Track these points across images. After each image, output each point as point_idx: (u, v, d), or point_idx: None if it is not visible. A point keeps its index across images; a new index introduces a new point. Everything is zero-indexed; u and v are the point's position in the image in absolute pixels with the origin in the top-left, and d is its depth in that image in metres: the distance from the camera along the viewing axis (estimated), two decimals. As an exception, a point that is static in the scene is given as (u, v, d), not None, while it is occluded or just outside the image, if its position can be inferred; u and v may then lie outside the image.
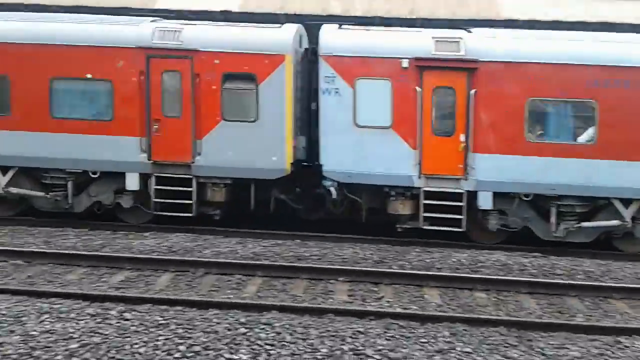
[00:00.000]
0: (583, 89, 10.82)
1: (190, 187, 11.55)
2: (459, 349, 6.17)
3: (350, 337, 6.41)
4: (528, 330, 6.94)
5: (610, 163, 10.83)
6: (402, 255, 10.30)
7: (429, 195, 11.21)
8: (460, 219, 11.09)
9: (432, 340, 6.38)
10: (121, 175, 11.60)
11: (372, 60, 11.16)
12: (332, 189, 11.46)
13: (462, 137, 11.12)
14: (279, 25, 12.05)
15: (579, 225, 11.15)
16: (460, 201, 11.11)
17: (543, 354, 6.16)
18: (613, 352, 6.33)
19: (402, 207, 11.43)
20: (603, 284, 9.04)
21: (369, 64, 11.17)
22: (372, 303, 7.92)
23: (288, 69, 11.30)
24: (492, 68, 10.89)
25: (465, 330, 6.79)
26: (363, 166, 11.26)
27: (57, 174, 11.80)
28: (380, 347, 6.13)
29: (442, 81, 11.11)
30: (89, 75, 11.46)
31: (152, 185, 11.59)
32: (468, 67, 10.94)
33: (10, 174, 11.88)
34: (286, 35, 11.52)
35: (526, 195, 11.22)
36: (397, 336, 6.48)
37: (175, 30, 11.51)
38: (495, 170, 11.02)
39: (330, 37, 11.51)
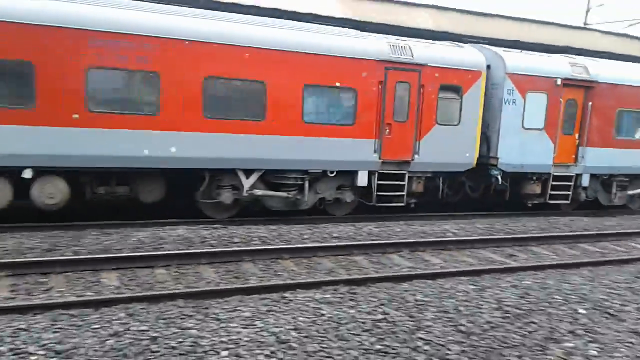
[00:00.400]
0: None
1: (403, 181, 13.53)
2: (134, 328, 5.98)
3: (10, 336, 5.66)
4: (206, 299, 7.15)
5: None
6: (77, 240, 9.57)
7: (555, 178, 15.38)
8: (568, 194, 15.68)
9: (107, 325, 6.05)
10: (348, 173, 13.10)
11: (537, 78, 14.56)
12: (499, 177, 14.52)
13: (576, 136, 15.42)
14: (462, 44, 14.67)
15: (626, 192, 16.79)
16: (570, 181, 15.63)
17: (217, 319, 6.41)
18: (279, 307, 6.98)
19: (537, 188, 15.35)
20: (274, 246, 9.91)
21: (535, 81, 14.53)
22: (40, 296, 7.13)
23: (483, 82, 14.05)
24: (601, 87, 15.34)
25: (142, 308, 6.63)
26: (525, 159, 14.67)
27: (296, 174, 12.60)
28: (45, 342, 5.55)
29: (571, 95, 15.15)
30: (337, 84, 12.41)
31: (376, 181, 13.28)
32: (587, 86, 15.19)
33: (254, 176, 12.32)
34: (482, 55, 14.23)
35: (604, 175, 16.30)
36: (66, 327, 5.96)
37: (407, 47, 13.22)
38: (595, 159, 15.69)
39: (512, 60, 14.45)
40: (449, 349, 6.11)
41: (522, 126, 14.54)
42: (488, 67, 14.34)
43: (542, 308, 7.53)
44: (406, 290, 7.91)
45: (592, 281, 9.03)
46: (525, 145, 14.61)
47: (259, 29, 11.80)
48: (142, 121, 10.84)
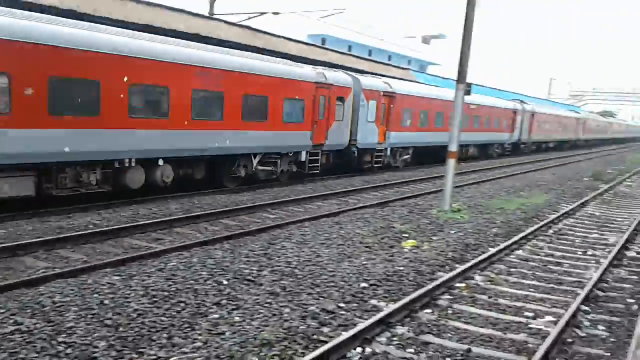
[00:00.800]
0: None
1: (318, 156, 20.48)
2: None
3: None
4: None
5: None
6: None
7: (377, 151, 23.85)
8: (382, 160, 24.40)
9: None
10: (297, 153, 19.44)
11: (374, 91, 22.95)
12: (355, 152, 22.60)
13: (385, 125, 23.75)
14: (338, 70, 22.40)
15: None
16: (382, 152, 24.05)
17: None
18: None
19: (369, 157, 23.57)
20: None
21: (373, 93, 22.85)
22: None
23: (352, 94, 21.55)
24: (398, 96, 24.29)
25: None
26: (367, 140, 22.87)
27: (276, 155, 18.68)
28: None
29: (385, 101, 23.62)
30: (296, 97, 18.71)
31: (307, 157, 19.96)
32: (391, 95, 23.95)
33: (258, 157, 17.96)
34: (351, 78, 21.81)
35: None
36: None
37: (323, 73, 20.10)
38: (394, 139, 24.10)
39: (364, 80, 22.69)
40: (95, 347, 5.68)
41: (367, 120, 22.26)
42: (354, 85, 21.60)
43: (189, 286, 7.69)
44: (42, 294, 7.05)
45: (233, 253, 9.67)
46: (367, 132, 22.39)
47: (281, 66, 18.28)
48: (215, 124, 15.59)
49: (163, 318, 6.53)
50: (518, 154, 40.96)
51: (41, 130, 11.41)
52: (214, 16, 26.49)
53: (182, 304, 7.01)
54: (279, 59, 19.14)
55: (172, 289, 7.51)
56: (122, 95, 12.91)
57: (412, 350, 6.26)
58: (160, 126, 13.99)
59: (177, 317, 6.60)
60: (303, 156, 19.55)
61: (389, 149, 24.86)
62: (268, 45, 23.84)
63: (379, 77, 25.67)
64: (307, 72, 19.20)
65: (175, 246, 9.92)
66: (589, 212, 16.69)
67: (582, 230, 13.80)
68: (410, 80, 32.55)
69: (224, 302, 7.26)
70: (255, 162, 17.71)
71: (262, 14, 29.75)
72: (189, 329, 6.32)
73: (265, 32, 25.89)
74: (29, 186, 11.74)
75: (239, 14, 30.57)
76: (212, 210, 13.34)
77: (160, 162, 14.50)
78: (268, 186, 18.09)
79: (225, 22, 24.56)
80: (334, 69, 22.16)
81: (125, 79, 12.92)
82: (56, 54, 11.46)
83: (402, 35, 61.35)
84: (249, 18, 29.24)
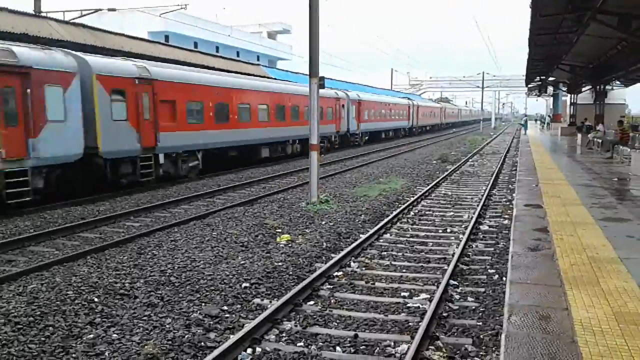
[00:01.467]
0: None
1: None
2: None
3: None
4: None
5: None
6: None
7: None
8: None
9: None
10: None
11: None
12: None
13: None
14: None
15: None
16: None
17: None
18: None
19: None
20: None
21: None
22: None
23: None
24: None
25: None
26: None
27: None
28: None
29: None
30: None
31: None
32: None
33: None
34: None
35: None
36: None
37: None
38: None
39: None
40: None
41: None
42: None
43: (56, 308, 7.03)
44: None
45: (99, 267, 9.02)
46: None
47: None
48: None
49: (31, 345, 5.90)
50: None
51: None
52: (42, 14, 24.48)
53: (51, 328, 6.39)
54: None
55: (37, 313, 6.81)
56: None
57: (302, 344, 6.28)
58: None
59: (47, 343, 6.00)
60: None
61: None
62: (107, 44, 22.51)
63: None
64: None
65: (32, 267, 9.01)
66: (442, 192, 18.00)
67: (439, 209, 14.84)
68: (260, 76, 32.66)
69: (97, 320, 6.74)
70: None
71: (96, 10, 28.06)
72: (63, 354, 5.78)
73: (104, 31, 24.47)
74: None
75: (70, 12, 28.73)
76: (68, 225, 12.33)
77: None
78: (126, 193, 17.10)
79: (56, 20, 22.82)
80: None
81: None
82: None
83: (248, 31, 61.31)
84: (82, 15, 27.39)
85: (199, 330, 6.53)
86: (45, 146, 14.01)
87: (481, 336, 6.32)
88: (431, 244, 11.05)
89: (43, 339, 6.12)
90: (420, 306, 7.40)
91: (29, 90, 13.49)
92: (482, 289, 8.04)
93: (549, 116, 72.98)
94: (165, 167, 19.02)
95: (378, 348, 6.13)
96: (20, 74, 13.40)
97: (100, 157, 16.02)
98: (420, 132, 63.76)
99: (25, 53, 13.75)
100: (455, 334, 6.48)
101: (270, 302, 7.56)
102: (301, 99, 27.98)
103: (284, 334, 6.55)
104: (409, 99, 61.16)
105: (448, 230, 12.23)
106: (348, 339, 6.37)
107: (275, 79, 33.08)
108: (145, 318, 6.86)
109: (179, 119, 19.39)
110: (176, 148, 19.39)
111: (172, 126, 18.89)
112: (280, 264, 9.32)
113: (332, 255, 10.05)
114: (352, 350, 6.11)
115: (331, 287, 8.33)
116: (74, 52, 16.15)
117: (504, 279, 8.13)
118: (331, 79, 42.46)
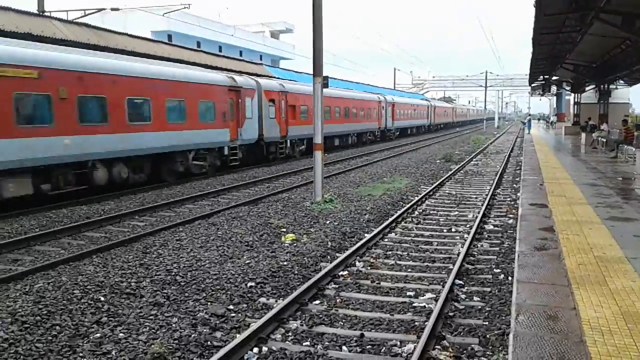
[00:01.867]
0: None
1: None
2: None
3: None
4: None
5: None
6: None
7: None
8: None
9: None
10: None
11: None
12: None
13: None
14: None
15: None
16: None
17: None
18: None
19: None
20: None
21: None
22: None
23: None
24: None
25: None
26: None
27: None
28: None
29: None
30: None
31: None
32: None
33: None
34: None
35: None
36: None
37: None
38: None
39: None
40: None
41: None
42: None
43: (62, 307, 7.04)
44: None
45: (105, 267, 9.04)
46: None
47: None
48: None
49: (38, 345, 5.91)
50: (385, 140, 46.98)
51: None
52: (45, 13, 24.49)
53: (58, 327, 6.40)
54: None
55: (44, 312, 6.82)
56: None
57: (308, 343, 6.28)
58: None
59: (54, 342, 6.01)
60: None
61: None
62: (110, 44, 22.51)
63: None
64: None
65: (38, 266, 9.03)
66: (447, 191, 17.98)
67: (444, 209, 14.82)
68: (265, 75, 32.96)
69: (104, 319, 6.75)
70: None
71: (99, 10, 28.07)
72: (70, 353, 5.79)
73: (107, 30, 24.48)
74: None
75: (73, 11, 28.75)
76: (74, 224, 12.36)
77: None
78: (131, 192, 17.15)
79: (59, 19, 22.84)
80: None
81: None
82: None
83: (251, 31, 61.29)
84: (85, 15, 27.40)
85: (205, 330, 6.53)
86: (245, 133, 23.54)
87: (488, 336, 6.31)
88: (436, 243, 11.04)
89: (50, 338, 6.13)
90: (426, 306, 7.39)
91: (239, 100, 22.74)
92: (488, 289, 8.02)
93: (555, 115, 72.92)
94: (289, 149, 28.42)
95: (384, 348, 6.12)
96: (238, 91, 22.76)
97: (263, 141, 25.46)
98: (436, 129, 70.60)
99: (238, 79, 23.28)
100: (462, 333, 6.47)
101: (276, 301, 7.56)
102: (350, 102, 38.08)
103: (290, 334, 6.55)
104: (427, 100, 70.39)
105: (453, 230, 12.21)
106: (354, 339, 6.36)
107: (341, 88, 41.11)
108: (151, 317, 6.87)
109: (297, 117, 28.70)
110: (295, 137, 28.82)
111: (294, 122, 28.36)
112: (285, 263, 9.32)
113: (337, 254, 10.05)
114: (359, 350, 6.10)
115: (337, 286, 8.33)
116: (254, 77, 26.03)
117: (510, 278, 8.13)
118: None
